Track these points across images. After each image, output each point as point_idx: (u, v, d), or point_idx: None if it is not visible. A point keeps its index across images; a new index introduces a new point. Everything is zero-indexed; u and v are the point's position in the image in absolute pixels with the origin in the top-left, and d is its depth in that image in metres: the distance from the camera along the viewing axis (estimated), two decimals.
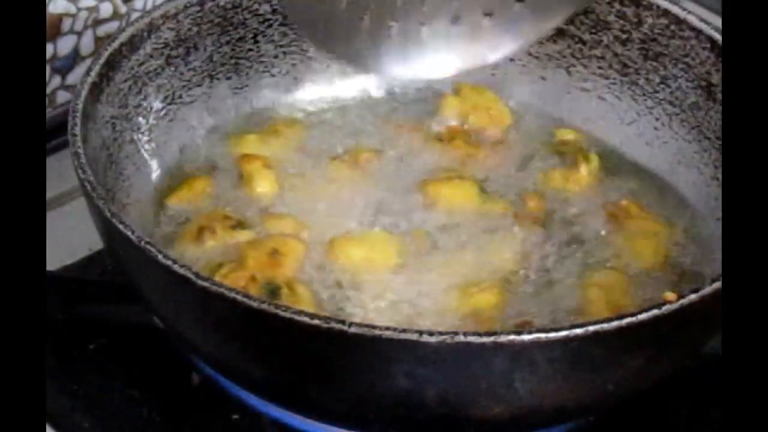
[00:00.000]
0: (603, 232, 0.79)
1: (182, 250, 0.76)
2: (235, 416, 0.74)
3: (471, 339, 0.60)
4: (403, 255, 0.76)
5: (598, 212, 0.81)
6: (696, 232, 0.80)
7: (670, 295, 0.63)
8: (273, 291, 0.72)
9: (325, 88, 0.90)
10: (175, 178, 0.82)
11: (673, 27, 0.84)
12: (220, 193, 0.81)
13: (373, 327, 0.60)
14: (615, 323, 0.61)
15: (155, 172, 0.82)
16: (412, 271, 0.76)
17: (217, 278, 0.70)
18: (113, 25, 0.98)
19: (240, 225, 0.77)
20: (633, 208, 0.81)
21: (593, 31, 0.87)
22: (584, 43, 0.88)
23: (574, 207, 0.81)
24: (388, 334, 0.60)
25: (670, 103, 0.85)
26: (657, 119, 0.86)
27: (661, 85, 0.85)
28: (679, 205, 0.82)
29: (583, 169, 0.83)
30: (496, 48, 0.73)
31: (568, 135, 0.87)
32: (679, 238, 0.80)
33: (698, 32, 0.82)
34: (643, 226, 0.80)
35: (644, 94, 0.86)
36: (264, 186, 0.80)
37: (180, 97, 0.84)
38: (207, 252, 0.75)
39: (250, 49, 0.87)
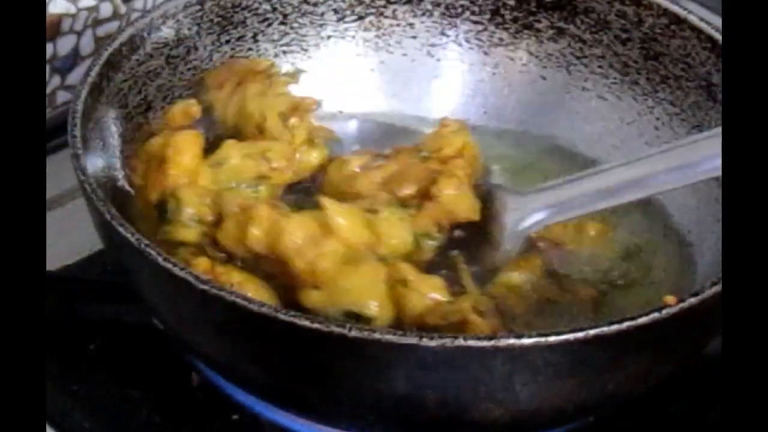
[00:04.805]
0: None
1: None
2: (235, 417, 0.74)
3: (471, 342, 0.60)
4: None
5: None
6: (696, 233, 0.80)
7: (670, 299, 0.63)
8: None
9: (325, 87, 0.90)
10: None
11: (673, 27, 0.84)
12: None
13: (373, 330, 0.61)
14: (615, 327, 0.61)
15: None
16: None
17: None
18: (113, 25, 0.98)
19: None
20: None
21: (593, 30, 0.87)
22: (584, 42, 0.88)
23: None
24: (388, 337, 0.60)
25: (671, 103, 0.85)
26: (657, 119, 0.85)
27: (662, 85, 0.85)
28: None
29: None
30: None
31: None
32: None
33: (698, 32, 0.82)
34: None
35: (644, 94, 0.86)
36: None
37: (180, 96, 0.84)
38: None
39: (250, 49, 0.87)
